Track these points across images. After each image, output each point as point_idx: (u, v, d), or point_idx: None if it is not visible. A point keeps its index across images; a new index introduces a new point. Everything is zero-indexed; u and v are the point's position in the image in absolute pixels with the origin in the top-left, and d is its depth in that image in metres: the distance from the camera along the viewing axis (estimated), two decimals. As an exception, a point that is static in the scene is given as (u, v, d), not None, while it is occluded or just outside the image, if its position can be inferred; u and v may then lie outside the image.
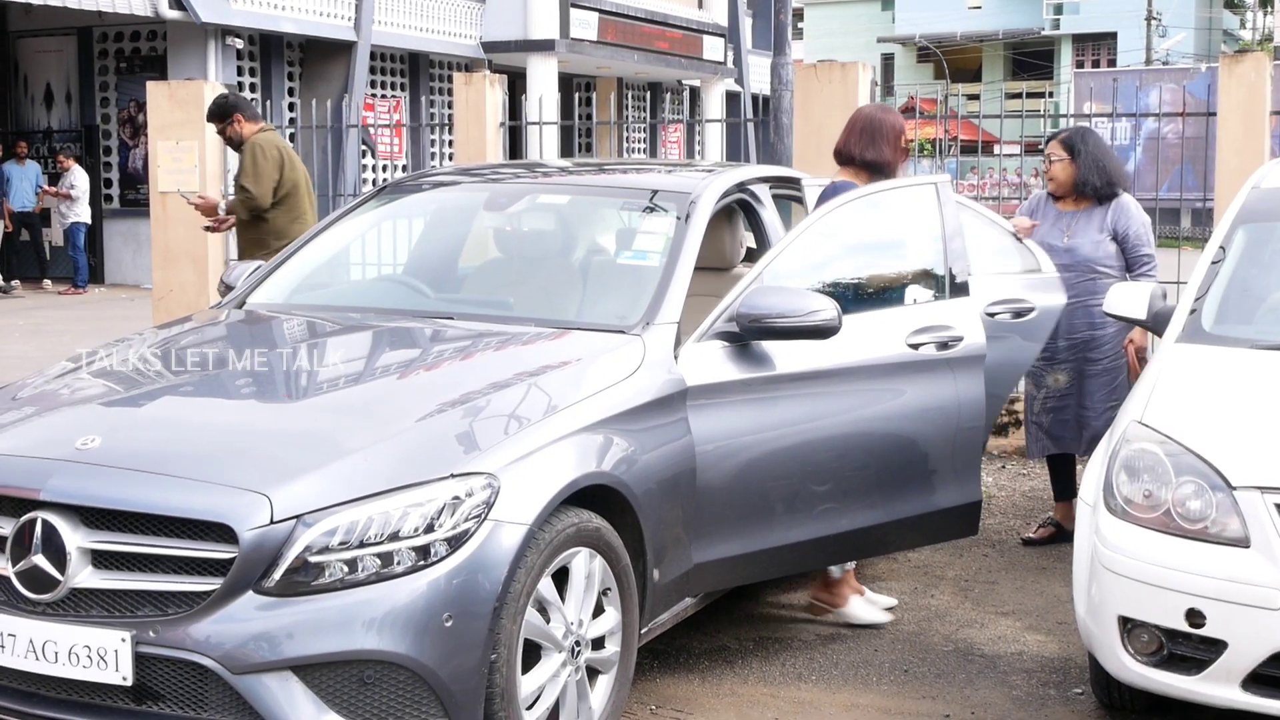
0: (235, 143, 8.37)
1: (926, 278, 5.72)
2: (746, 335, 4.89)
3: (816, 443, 5.15)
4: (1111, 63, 49.90)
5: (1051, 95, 46.73)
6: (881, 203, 5.72)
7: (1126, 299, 5.35)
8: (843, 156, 5.92)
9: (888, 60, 53.61)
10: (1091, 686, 4.80)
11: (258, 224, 8.13)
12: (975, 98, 39.43)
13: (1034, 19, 52.35)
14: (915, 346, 5.37)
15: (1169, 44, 49.14)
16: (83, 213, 19.54)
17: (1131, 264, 6.60)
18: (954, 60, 49.86)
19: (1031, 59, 51.82)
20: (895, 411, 5.40)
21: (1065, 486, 6.87)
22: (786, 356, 5.02)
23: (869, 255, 5.75)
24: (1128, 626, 4.21)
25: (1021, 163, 19.92)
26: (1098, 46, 52.38)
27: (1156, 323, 5.20)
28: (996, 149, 21.89)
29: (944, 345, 5.43)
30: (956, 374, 5.45)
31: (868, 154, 5.84)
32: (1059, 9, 52.40)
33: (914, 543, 5.98)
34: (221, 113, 8.35)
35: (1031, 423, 6.91)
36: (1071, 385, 6.61)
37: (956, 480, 5.51)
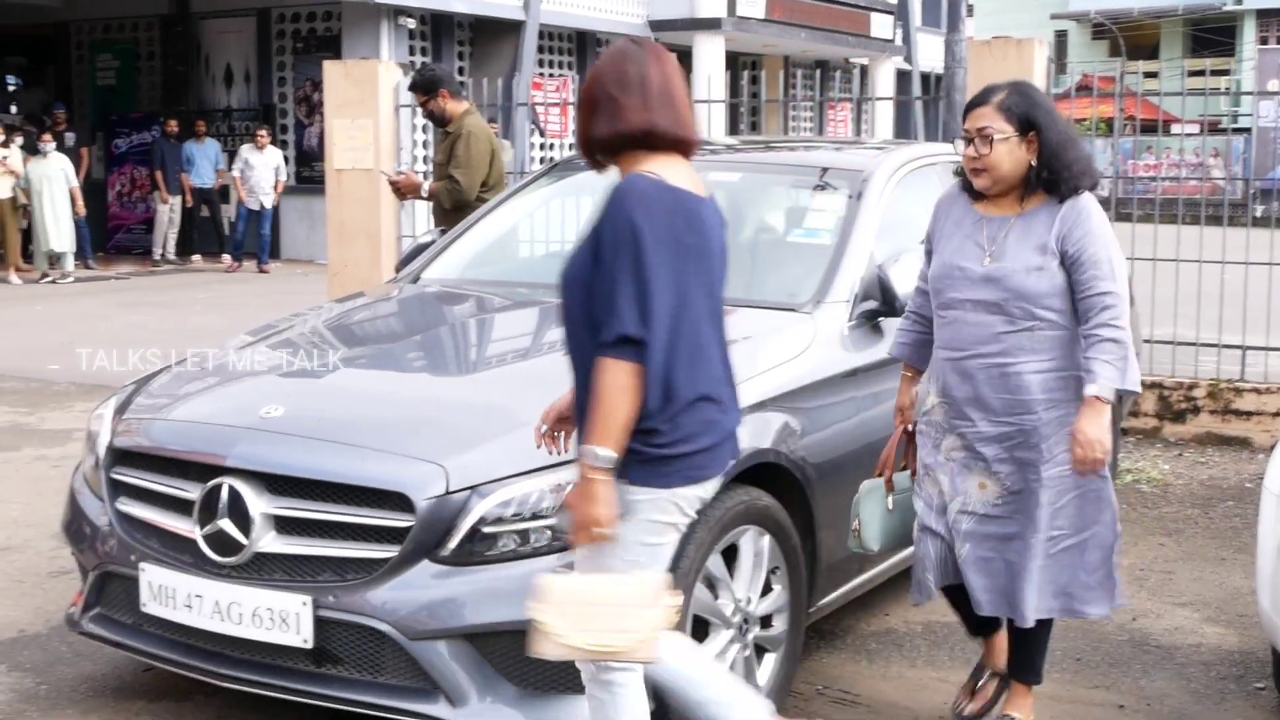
0: (438, 119, 8.07)
1: None
2: (893, 313, 4.81)
3: None
4: (1297, 39, 48.21)
5: (1232, 73, 45.24)
6: None
7: None
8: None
9: (1061, 37, 52.36)
10: (1275, 681, 4.67)
11: (458, 215, 7.33)
12: (1153, 75, 38.33)
13: (1216, -7, 50.81)
14: None
15: (1359, 19, 47.23)
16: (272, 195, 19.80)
17: (1085, 308, 3.92)
18: (1130, 37, 48.50)
19: (1212, 35, 50.26)
20: None
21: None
22: None
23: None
24: (1315, 620, 4.07)
25: (1203, 143, 19.38)
26: (1282, 22, 50.61)
27: None
28: (1175, 128, 21.27)
29: None
30: None
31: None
32: (1242, -17, 50.75)
33: None
34: (427, 85, 8.03)
35: (923, 534, 4.19)
36: (1003, 501, 4.05)
37: None
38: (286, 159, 21.03)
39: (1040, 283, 3.95)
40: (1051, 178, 3.98)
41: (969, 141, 4.05)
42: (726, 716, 3.52)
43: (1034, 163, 3.99)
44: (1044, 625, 4.23)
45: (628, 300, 3.16)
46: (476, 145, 7.84)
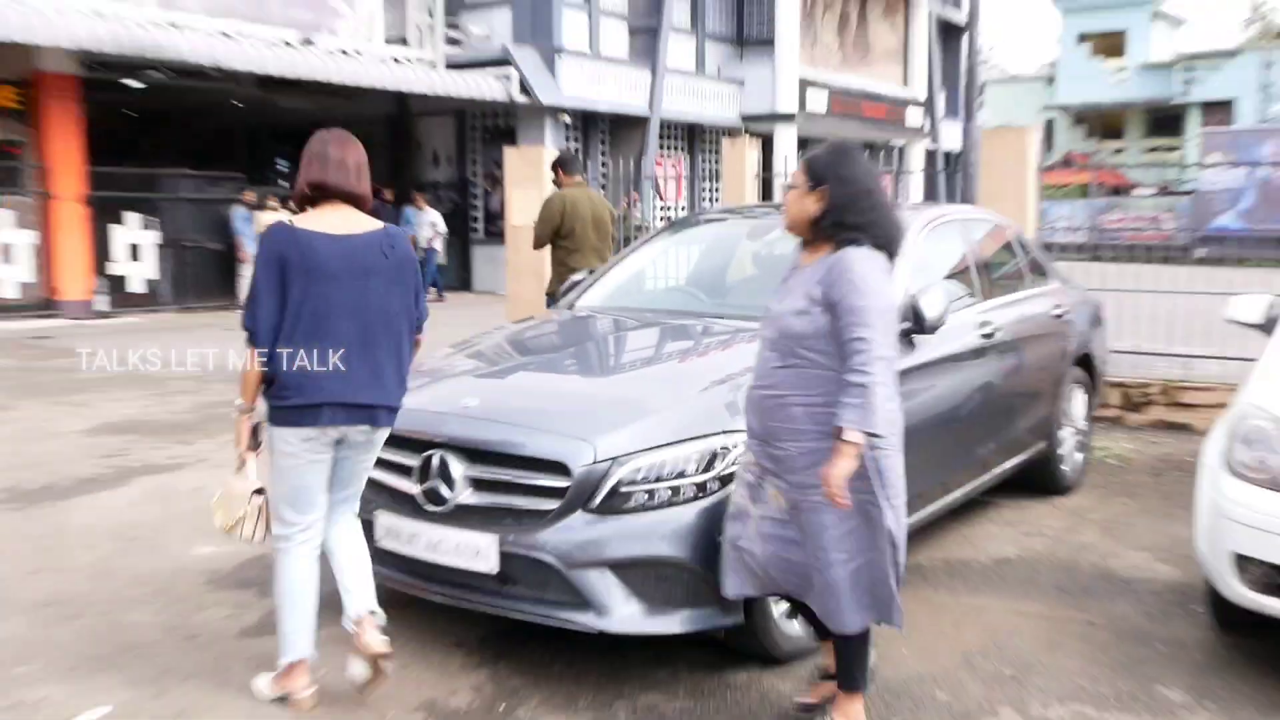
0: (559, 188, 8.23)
1: None
2: (922, 330, 4.69)
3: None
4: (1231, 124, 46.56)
5: (1180, 149, 43.87)
6: None
7: (1246, 308, 5.02)
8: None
9: (1049, 123, 51.22)
10: (1207, 605, 4.56)
11: (553, 252, 7.98)
12: (1120, 151, 37.34)
13: (1168, 89, 49.27)
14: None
15: (1279, 108, 45.54)
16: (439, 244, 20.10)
17: (843, 353, 3.28)
18: (1103, 123, 47.30)
19: (1166, 121, 48.82)
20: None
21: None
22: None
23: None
24: (1241, 561, 3.98)
25: (1158, 203, 18.85)
26: (1220, 111, 48.91)
27: (1268, 325, 4.89)
28: (1136, 191, 20.70)
29: None
30: None
31: None
32: (1188, 81, 49.12)
33: None
34: (551, 166, 8.35)
35: (732, 546, 3.60)
36: (787, 515, 3.45)
37: None
38: (475, 218, 21.34)
39: (802, 325, 3.34)
40: (830, 228, 3.39)
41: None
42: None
43: (817, 215, 3.43)
44: (859, 637, 3.49)
45: (250, 304, 3.50)
46: (546, 207, 7.92)
